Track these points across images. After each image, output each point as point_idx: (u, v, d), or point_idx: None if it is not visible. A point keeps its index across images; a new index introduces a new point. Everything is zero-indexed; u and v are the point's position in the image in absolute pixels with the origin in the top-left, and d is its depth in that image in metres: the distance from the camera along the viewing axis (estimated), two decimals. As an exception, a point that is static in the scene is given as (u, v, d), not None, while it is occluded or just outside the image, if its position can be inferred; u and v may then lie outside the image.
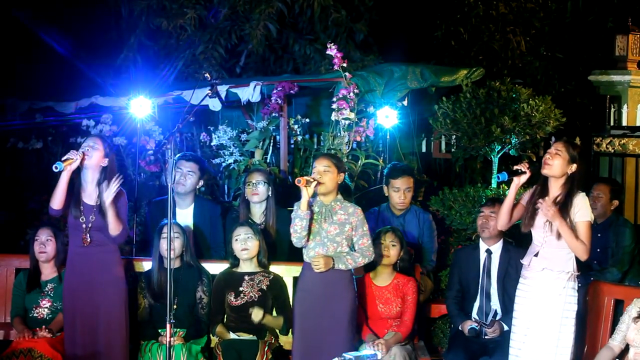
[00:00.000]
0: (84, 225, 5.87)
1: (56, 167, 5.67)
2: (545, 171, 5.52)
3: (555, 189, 5.53)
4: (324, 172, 5.65)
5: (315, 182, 5.59)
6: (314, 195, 5.67)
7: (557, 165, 5.49)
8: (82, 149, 5.85)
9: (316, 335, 5.66)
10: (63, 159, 5.72)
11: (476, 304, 6.28)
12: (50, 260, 6.34)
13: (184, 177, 6.73)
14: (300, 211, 5.61)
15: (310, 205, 5.63)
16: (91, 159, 5.84)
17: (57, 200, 5.80)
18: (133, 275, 6.36)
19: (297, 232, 5.63)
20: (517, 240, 6.34)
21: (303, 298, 5.74)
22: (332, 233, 5.68)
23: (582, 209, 5.45)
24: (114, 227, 5.87)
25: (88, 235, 5.88)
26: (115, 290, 5.93)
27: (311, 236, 5.67)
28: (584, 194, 5.53)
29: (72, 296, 5.92)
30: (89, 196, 5.91)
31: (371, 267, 6.23)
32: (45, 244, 6.32)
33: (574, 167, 5.49)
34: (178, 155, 6.77)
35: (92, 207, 5.89)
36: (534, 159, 7.72)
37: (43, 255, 6.32)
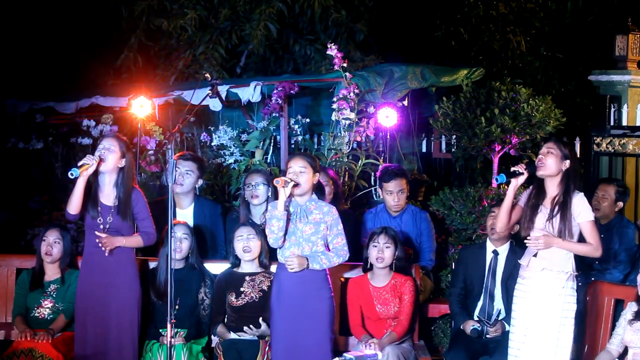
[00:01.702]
0: (101, 226, 5.80)
1: (72, 174, 5.55)
2: (540, 172, 5.52)
3: (552, 188, 5.53)
4: (299, 173, 5.59)
5: (293, 183, 5.54)
6: (289, 195, 5.62)
7: (551, 163, 5.50)
8: (97, 152, 5.73)
9: (294, 336, 5.61)
10: (79, 164, 5.60)
11: (479, 304, 6.28)
12: (56, 262, 6.33)
13: (182, 177, 6.67)
14: (277, 212, 5.55)
15: (286, 206, 5.60)
16: (108, 161, 5.74)
17: (74, 206, 5.71)
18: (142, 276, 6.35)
19: (273, 232, 5.57)
20: (517, 240, 6.34)
21: (279, 299, 5.68)
22: (307, 233, 5.63)
23: (582, 209, 5.46)
24: (137, 243, 5.87)
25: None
26: (129, 290, 5.87)
27: (287, 236, 5.62)
28: (582, 194, 5.53)
29: (85, 295, 5.86)
30: (107, 197, 5.82)
31: (368, 267, 6.24)
32: (52, 245, 6.30)
33: (567, 163, 5.49)
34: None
35: (109, 207, 5.81)
36: (534, 159, 7.72)
37: (49, 256, 6.30)
